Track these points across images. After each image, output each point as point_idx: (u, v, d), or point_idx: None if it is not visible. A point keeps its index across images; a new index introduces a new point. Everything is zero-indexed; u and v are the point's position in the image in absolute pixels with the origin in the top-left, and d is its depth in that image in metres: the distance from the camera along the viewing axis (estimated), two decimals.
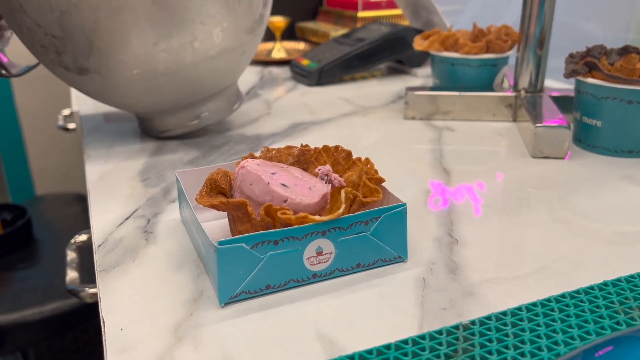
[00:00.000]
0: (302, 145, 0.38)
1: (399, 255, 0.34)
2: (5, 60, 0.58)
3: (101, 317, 0.30)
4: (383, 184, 0.36)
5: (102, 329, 0.29)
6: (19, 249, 1.00)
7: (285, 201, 0.32)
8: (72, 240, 0.59)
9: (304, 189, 0.33)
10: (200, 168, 0.39)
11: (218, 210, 0.33)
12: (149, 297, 0.32)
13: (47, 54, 0.49)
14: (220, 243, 0.29)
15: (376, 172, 0.35)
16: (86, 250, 0.65)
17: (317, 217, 0.30)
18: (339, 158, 0.37)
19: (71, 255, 0.58)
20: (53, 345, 1.28)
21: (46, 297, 0.84)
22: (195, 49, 0.49)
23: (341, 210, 0.31)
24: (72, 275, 0.56)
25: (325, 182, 0.34)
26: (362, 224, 0.32)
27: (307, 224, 0.30)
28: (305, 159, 0.38)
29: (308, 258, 0.31)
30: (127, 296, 0.32)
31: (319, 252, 0.31)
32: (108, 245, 0.38)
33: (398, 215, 0.33)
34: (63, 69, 0.50)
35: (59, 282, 0.89)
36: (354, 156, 0.38)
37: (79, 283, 0.55)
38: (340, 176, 0.36)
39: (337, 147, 0.38)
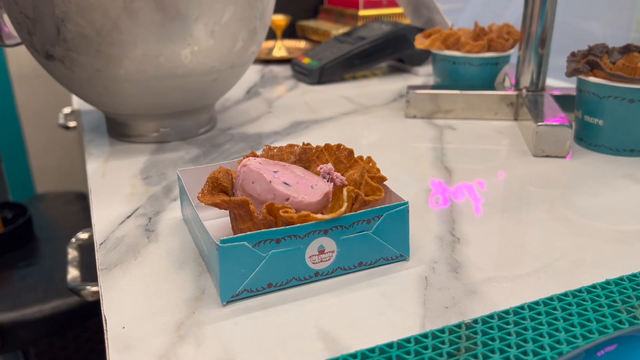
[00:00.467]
0: (303, 143, 0.38)
1: (401, 254, 0.34)
2: (5, 29, 0.59)
3: (103, 316, 0.30)
4: (385, 183, 0.36)
5: (104, 328, 0.29)
6: (19, 247, 1.00)
7: (287, 199, 0.32)
8: (73, 239, 0.59)
9: (306, 188, 0.33)
10: (201, 167, 0.39)
11: (220, 208, 0.33)
12: (150, 295, 0.32)
13: (21, 31, 0.50)
14: (223, 241, 0.29)
15: (378, 170, 0.35)
16: (87, 249, 0.65)
17: (319, 216, 0.30)
18: (341, 156, 0.37)
19: (72, 253, 0.58)
20: (53, 343, 1.28)
21: (47, 296, 0.85)
22: (160, 63, 0.48)
23: (343, 208, 0.31)
24: (73, 273, 0.56)
25: (327, 181, 0.34)
26: (364, 222, 0.32)
27: (309, 223, 0.30)
28: (307, 158, 0.38)
29: (310, 256, 0.31)
30: (129, 294, 0.32)
31: (321, 251, 0.31)
32: (110, 243, 0.38)
33: (400, 213, 0.33)
34: (33, 50, 0.51)
35: (60, 281, 0.89)
36: (356, 155, 0.38)
37: (80, 281, 0.55)
38: (342, 175, 0.36)
39: (338, 146, 0.38)
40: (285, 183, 0.33)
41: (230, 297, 0.30)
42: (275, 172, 0.34)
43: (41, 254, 1.00)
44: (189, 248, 0.37)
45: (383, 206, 0.32)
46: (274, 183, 0.32)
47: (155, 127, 0.56)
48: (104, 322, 0.30)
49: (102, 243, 0.38)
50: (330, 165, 0.35)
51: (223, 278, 0.30)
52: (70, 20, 0.46)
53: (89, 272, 0.63)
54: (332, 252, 0.32)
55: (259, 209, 0.32)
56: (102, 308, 0.31)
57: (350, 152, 0.37)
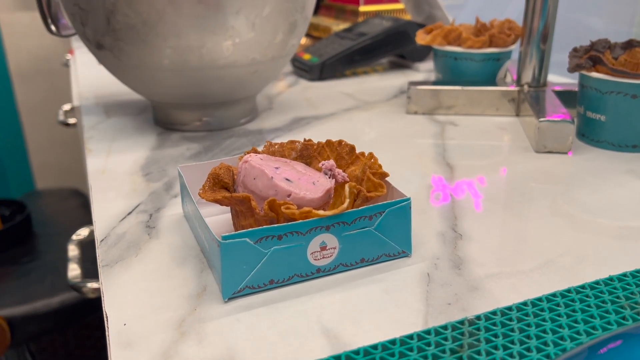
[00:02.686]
0: (305, 139, 0.38)
1: (403, 250, 0.34)
2: (63, 21, 0.62)
3: (104, 313, 0.30)
4: (387, 179, 0.36)
5: (106, 324, 0.29)
6: (19, 243, 1.00)
7: (289, 196, 0.32)
8: (74, 236, 0.59)
9: (307, 184, 0.33)
10: (203, 163, 0.39)
11: (221, 205, 0.32)
12: (152, 292, 0.32)
13: (75, 22, 0.52)
14: (224, 238, 0.29)
15: (380, 166, 0.35)
16: (88, 246, 0.65)
17: (321, 212, 0.30)
18: (342, 153, 0.37)
19: (73, 250, 0.58)
20: (55, 339, 1.28)
21: (54, 289, 0.85)
22: (202, 55, 0.50)
23: (345, 205, 0.31)
24: (73, 270, 0.56)
25: (329, 177, 0.34)
26: (366, 218, 0.32)
27: (311, 219, 0.30)
28: (308, 154, 0.38)
29: (312, 253, 0.31)
30: (130, 291, 0.32)
31: (323, 247, 0.31)
32: (110, 240, 0.37)
33: (402, 210, 0.33)
34: (85, 39, 0.53)
35: (65, 275, 0.89)
36: (357, 151, 0.37)
37: (80, 278, 0.55)
38: (344, 171, 0.36)
39: (340, 142, 0.37)
40: (287, 179, 0.32)
41: (232, 293, 0.30)
42: (276, 168, 0.33)
43: (42, 249, 1.00)
44: (190, 244, 0.37)
45: (385, 202, 0.32)
46: (275, 179, 0.32)
47: (198, 116, 0.58)
48: (105, 319, 0.30)
49: (102, 240, 0.38)
50: (331, 162, 0.35)
51: (225, 275, 0.30)
52: (119, 11, 0.48)
53: (90, 269, 0.63)
54: (334, 248, 0.32)
55: (260, 205, 0.32)
56: (103, 305, 0.31)
57: (352, 148, 0.37)
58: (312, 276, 0.32)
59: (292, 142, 0.38)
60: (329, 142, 0.38)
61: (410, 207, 0.33)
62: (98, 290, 0.51)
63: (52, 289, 0.86)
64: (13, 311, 0.82)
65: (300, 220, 0.30)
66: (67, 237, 0.78)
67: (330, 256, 0.32)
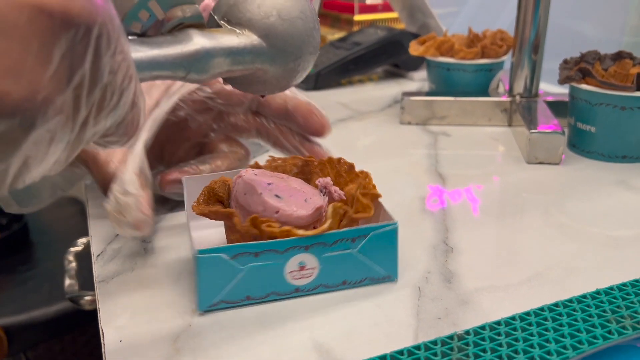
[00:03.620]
0: (307, 156, 0.38)
1: (388, 274, 0.33)
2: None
3: (100, 329, 0.30)
4: (380, 199, 0.36)
5: (102, 341, 0.29)
6: (16, 252, 1.01)
7: (277, 212, 0.32)
8: (71, 248, 0.59)
9: (299, 201, 0.33)
10: (204, 175, 0.39)
11: (210, 218, 0.33)
12: (147, 307, 0.32)
13: None
14: (201, 252, 0.29)
15: (374, 187, 0.35)
16: (84, 257, 0.65)
17: (300, 232, 0.30)
18: (341, 170, 0.37)
19: (69, 262, 0.59)
20: (51, 347, 1.28)
21: (51, 298, 0.85)
22: None
23: (326, 225, 0.31)
24: (70, 282, 0.56)
25: (323, 195, 0.34)
26: (349, 240, 0.31)
27: (289, 238, 0.30)
28: (309, 170, 0.38)
29: (290, 272, 0.31)
30: (125, 307, 0.32)
31: (302, 267, 0.31)
32: (107, 255, 0.38)
33: (388, 234, 0.32)
34: None
35: (62, 284, 0.89)
36: (353, 161, 0.37)
37: (77, 290, 0.56)
38: (342, 189, 0.36)
39: (339, 159, 0.37)
40: (277, 196, 0.33)
41: (207, 306, 0.31)
42: (269, 184, 0.34)
43: (39, 258, 1.00)
44: (185, 260, 0.37)
45: (369, 225, 0.32)
46: (264, 195, 0.32)
47: None
48: (101, 335, 0.30)
49: (99, 255, 0.38)
50: (327, 179, 0.35)
51: (200, 287, 0.30)
52: None
53: (87, 281, 0.63)
54: (314, 268, 0.31)
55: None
56: (99, 321, 0.31)
57: (351, 166, 0.37)
58: (291, 295, 0.32)
59: (294, 157, 0.38)
60: (329, 159, 0.37)
61: (396, 232, 0.32)
62: (95, 302, 0.52)
63: (49, 298, 0.86)
64: (10, 320, 0.82)
65: (279, 239, 0.30)
66: (65, 246, 0.78)
67: (310, 276, 0.32)
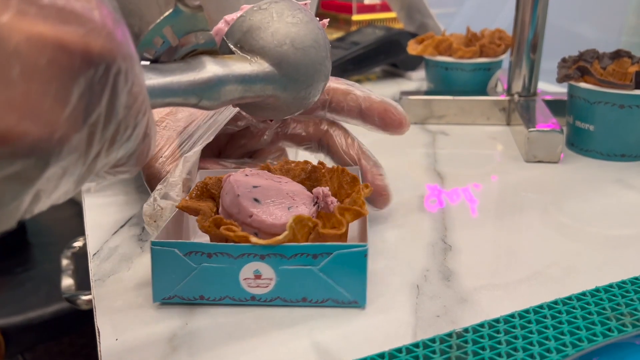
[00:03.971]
0: (319, 162, 0.38)
1: (354, 300, 0.31)
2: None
3: (96, 328, 0.30)
4: (366, 216, 0.33)
5: (97, 340, 0.29)
6: (13, 253, 1.00)
7: (250, 216, 0.31)
8: (67, 248, 0.59)
9: (279, 208, 0.32)
10: (220, 170, 0.39)
11: (189, 214, 0.33)
12: (143, 306, 0.32)
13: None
14: (154, 243, 0.30)
15: (363, 203, 0.32)
16: (81, 257, 0.65)
17: (254, 239, 0.29)
18: (343, 181, 0.36)
19: (66, 262, 0.58)
20: (50, 349, 1.28)
21: (49, 299, 0.85)
22: None
23: (281, 237, 0.29)
24: (67, 282, 0.56)
25: (314, 204, 0.33)
26: (309, 256, 0.29)
27: (243, 244, 0.30)
28: (316, 177, 0.37)
29: (245, 279, 0.30)
30: (122, 306, 0.32)
31: (257, 276, 0.30)
32: (103, 253, 0.38)
33: (355, 256, 0.29)
34: None
35: (59, 285, 0.89)
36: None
37: (74, 290, 0.55)
38: (341, 201, 0.35)
39: (343, 170, 0.36)
40: (256, 199, 0.32)
41: (161, 298, 0.31)
42: (255, 186, 0.33)
43: (36, 259, 1.00)
44: None
45: (335, 244, 0.30)
46: (241, 197, 0.32)
47: None
48: (97, 334, 0.30)
49: (95, 253, 0.38)
50: (324, 189, 0.34)
51: (155, 278, 0.30)
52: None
53: (84, 281, 0.63)
54: (271, 279, 0.30)
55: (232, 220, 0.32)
56: (95, 320, 0.31)
57: (354, 178, 0.35)
58: (247, 302, 0.31)
59: (306, 162, 0.37)
60: (335, 169, 0.37)
61: (365, 256, 0.30)
62: (91, 302, 0.51)
63: (46, 299, 0.86)
64: (7, 321, 0.82)
65: (234, 244, 0.30)
66: (62, 247, 0.78)
67: (267, 286, 0.30)
